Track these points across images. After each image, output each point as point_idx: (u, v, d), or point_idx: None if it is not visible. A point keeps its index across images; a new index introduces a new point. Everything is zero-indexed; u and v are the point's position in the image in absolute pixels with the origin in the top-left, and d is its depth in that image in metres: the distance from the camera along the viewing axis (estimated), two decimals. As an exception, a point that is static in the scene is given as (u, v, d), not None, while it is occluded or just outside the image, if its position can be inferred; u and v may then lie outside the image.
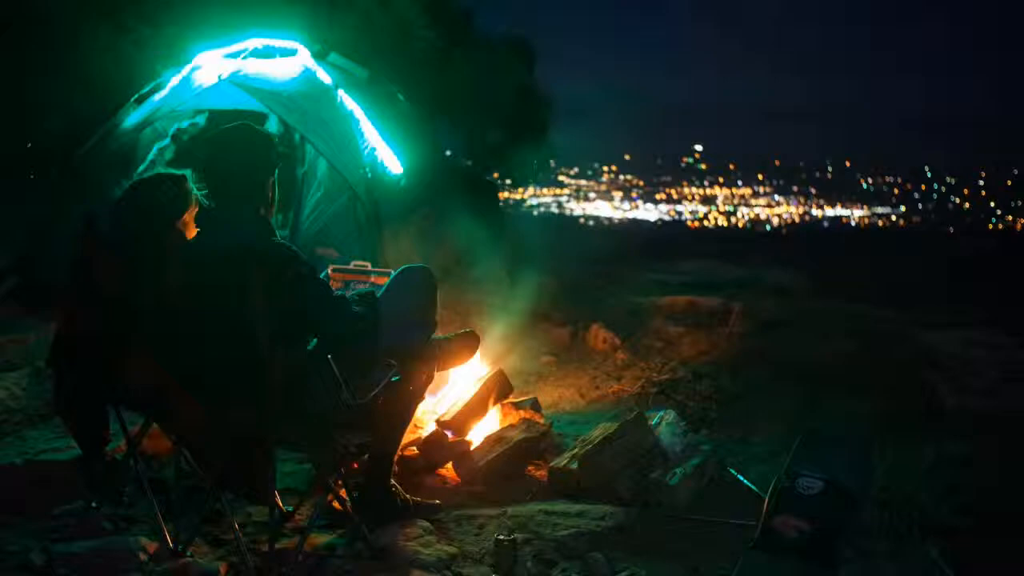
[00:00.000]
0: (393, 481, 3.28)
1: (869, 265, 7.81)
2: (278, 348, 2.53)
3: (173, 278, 2.61)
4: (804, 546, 2.80)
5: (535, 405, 4.48)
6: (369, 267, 5.45)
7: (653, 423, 4.31)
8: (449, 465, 3.90)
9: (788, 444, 3.72)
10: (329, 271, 5.27)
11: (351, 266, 5.35)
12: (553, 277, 6.90)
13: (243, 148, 2.71)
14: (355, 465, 3.28)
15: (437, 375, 3.29)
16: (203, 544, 3.03)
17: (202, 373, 2.59)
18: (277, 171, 2.80)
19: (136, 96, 5.75)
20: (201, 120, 6.09)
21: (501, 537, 3.01)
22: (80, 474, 3.14)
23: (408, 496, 3.30)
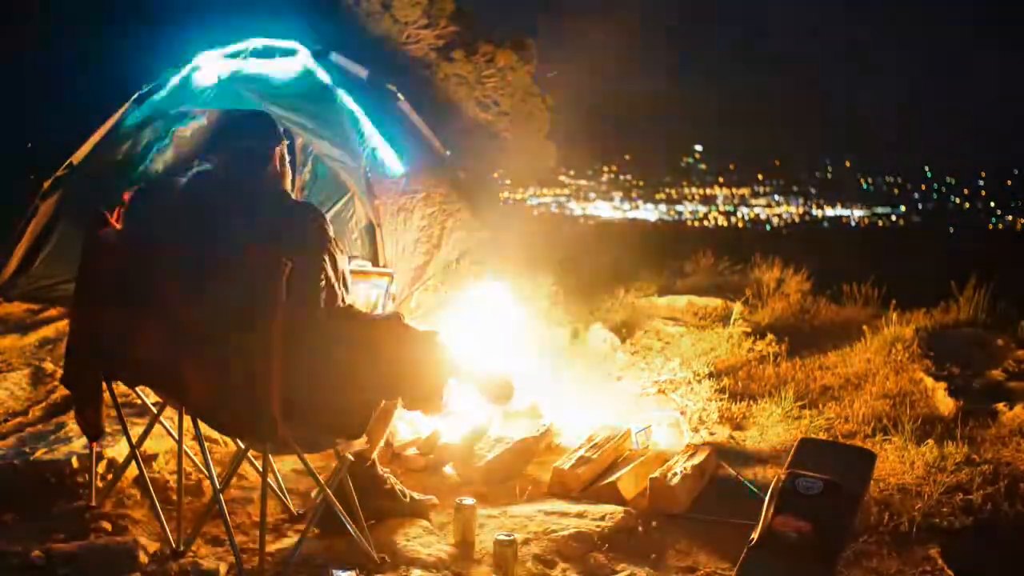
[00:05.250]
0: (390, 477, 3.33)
1: (869, 265, 7.80)
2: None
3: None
4: (805, 547, 2.80)
5: (535, 405, 4.49)
6: (369, 266, 5.46)
7: (653, 423, 4.33)
8: (449, 465, 3.91)
9: (788, 444, 3.73)
10: None
11: (351, 266, 5.36)
12: (553, 277, 6.89)
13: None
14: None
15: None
16: (203, 544, 3.03)
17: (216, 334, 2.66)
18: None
19: (136, 96, 5.74)
20: (201, 120, 6.08)
21: (501, 537, 3.01)
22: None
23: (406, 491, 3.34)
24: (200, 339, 2.67)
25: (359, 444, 2.94)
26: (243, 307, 2.61)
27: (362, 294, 5.25)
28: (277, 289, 2.57)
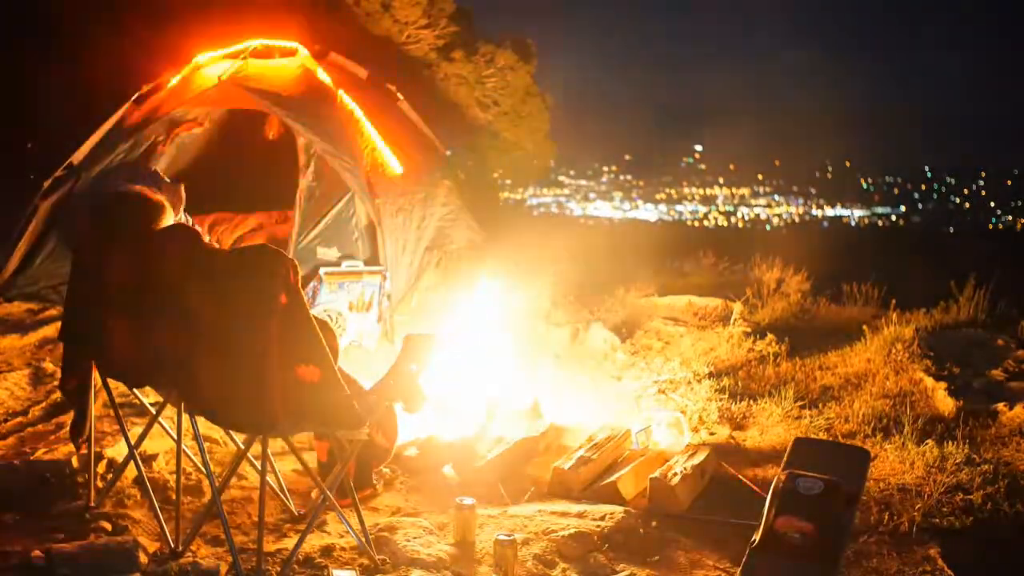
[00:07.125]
0: None
1: (870, 265, 7.79)
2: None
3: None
4: (807, 547, 2.80)
5: (535, 405, 4.49)
6: (361, 265, 5.46)
7: (653, 423, 4.33)
8: (449, 465, 3.91)
9: (788, 445, 3.71)
10: (322, 274, 5.27)
11: (343, 267, 5.36)
12: (553, 277, 6.89)
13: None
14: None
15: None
16: (203, 544, 3.03)
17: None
18: None
19: (136, 96, 5.74)
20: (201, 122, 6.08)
21: (501, 537, 3.01)
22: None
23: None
24: (211, 332, 2.68)
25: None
26: (247, 303, 2.61)
27: (356, 293, 5.27)
28: (276, 288, 2.58)
